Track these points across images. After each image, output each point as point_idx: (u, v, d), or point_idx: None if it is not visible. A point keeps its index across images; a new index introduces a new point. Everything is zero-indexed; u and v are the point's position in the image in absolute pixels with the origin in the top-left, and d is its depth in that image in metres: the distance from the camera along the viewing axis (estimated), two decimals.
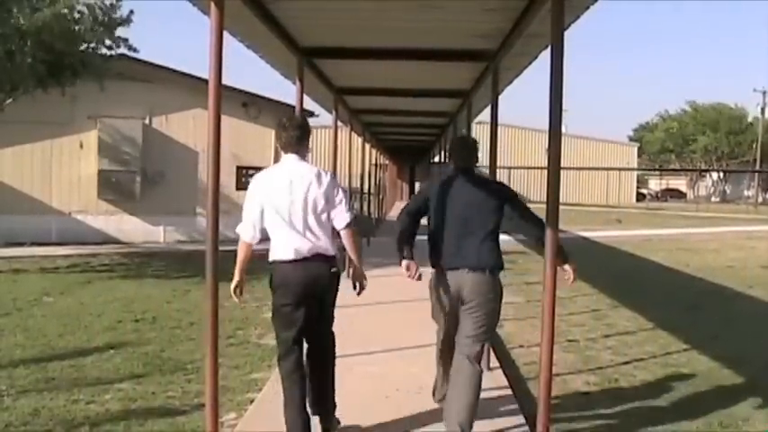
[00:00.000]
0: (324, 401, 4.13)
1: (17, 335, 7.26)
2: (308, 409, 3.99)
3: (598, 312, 9.33)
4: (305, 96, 7.27)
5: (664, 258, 16.24)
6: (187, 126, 17.30)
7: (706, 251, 18.47)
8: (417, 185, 40.25)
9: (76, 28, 12.01)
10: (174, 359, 6.41)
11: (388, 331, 7.08)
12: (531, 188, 47.82)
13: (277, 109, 17.82)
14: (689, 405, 5.39)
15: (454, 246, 4.13)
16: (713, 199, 58.26)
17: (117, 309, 8.77)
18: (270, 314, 4.15)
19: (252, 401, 5.08)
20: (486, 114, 8.75)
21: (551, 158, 3.67)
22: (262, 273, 4.27)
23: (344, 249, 4.17)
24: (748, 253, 18.26)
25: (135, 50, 13.36)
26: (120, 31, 12.61)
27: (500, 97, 6.52)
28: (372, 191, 21.41)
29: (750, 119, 61.35)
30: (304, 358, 4.06)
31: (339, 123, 10.46)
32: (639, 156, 59.57)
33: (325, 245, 3.94)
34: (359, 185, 17.56)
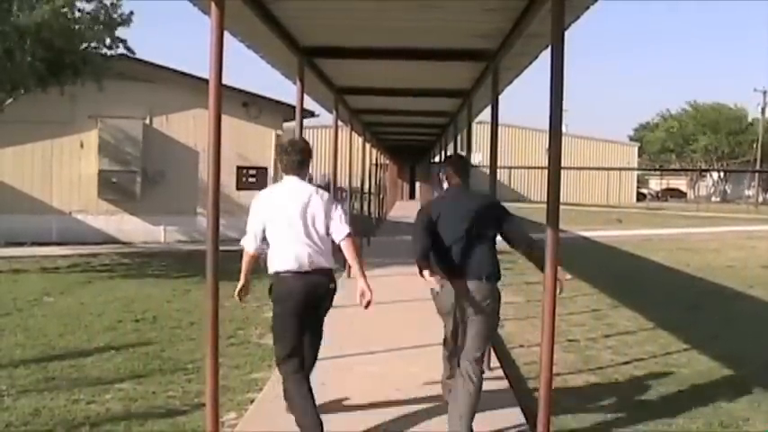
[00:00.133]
0: None
1: (17, 335, 7.26)
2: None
3: (598, 312, 9.33)
4: (305, 96, 7.28)
5: (664, 258, 16.24)
6: (187, 126, 17.29)
7: (706, 251, 18.46)
8: (418, 185, 40.30)
9: (76, 27, 12.00)
10: (174, 359, 6.41)
11: (388, 331, 7.07)
12: (532, 188, 47.85)
13: (277, 109, 17.83)
14: (689, 405, 5.39)
15: (456, 256, 4.31)
16: (713, 199, 58.22)
17: (117, 309, 8.77)
18: (270, 314, 4.21)
19: (252, 401, 5.08)
20: (486, 114, 8.76)
21: (551, 158, 3.67)
22: (263, 273, 4.31)
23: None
24: (748, 253, 18.26)
25: (132, 52, 13.37)
26: (119, 32, 12.62)
27: (500, 97, 6.52)
28: (373, 190, 21.43)
29: (750, 119, 61.35)
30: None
31: (339, 123, 10.47)
32: (640, 155, 59.54)
33: (324, 259, 4.10)
34: (359, 185, 17.56)
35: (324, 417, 4.02)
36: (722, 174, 61.27)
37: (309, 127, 35.34)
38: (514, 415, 4.74)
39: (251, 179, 17.44)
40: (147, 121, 17.31)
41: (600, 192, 49.76)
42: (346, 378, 5.45)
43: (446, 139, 17.13)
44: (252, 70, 29.03)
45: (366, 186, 18.54)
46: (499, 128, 6.33)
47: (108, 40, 12.57)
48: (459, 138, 12.74)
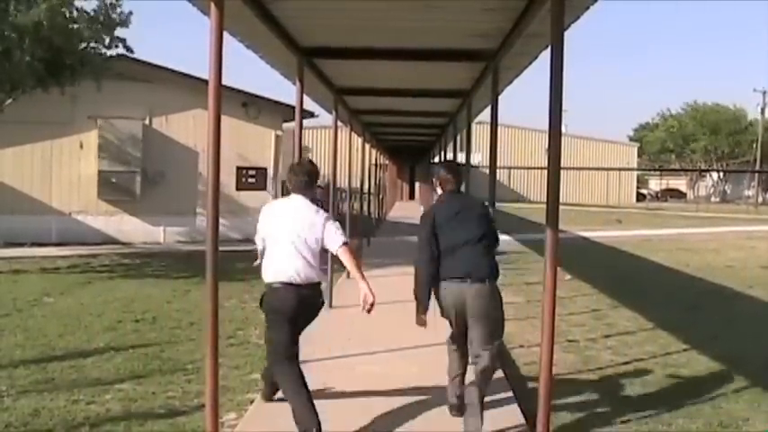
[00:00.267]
0: None
1: (17, 335, 7.26)
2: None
3: (598, 312, 9.33)
4: (305, 96, 7.28)
5: (664, 258, 16.24)
6: (187, 126, 17.28)
7: (706, 251, 18.47)
8: (417, 185, 40.31)
9: (75, 26, 11.99)
10: (174, 359, 6.40)
11: (389, 331, 7.07)
12: (531, 188, 47.88)
13: (277, 109, 17.83)
14: (689, 405, 5.39)
15: (456, 260, 4.43)
16: (713, 199, 58.25)
17: (117, 309, 8.76)
18: None
19: (252, 401, 5.08)
20: (486, 114, 8.77)
21: (551, 158, 3.68)
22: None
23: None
24: (748, 253, 18.26)
25: (131, 51, 13.36)
26: (118, 32, 12.61)
27: (500, 97, 6.53)
28: (372, 191, 21.42)
29: (749, 119, 61.35)
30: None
31: (339, 123, 10.46)
32: (639, 156, 59.55)
33: (315, 274, 4.33)
34: (359, 185, 17.55)
35: (323, 417, 4.03)
36: (722, 174, 61.29)
37: (309, 127, 35.35)
38: (514, 415, 4.74)
39: (250, 179, 17.45)
40: (147, 122, 17.29)
41: (599, 192, 49.79)
42: (347, 378, 5.46)
43: (446, 139, 17.11)
44: (251, 70, 29.06)
45: (366, 187, 18.53)
46: (499, 128, 6.34)
47: (107, 40, 12.57)
48: (458, 138, 12.74)
